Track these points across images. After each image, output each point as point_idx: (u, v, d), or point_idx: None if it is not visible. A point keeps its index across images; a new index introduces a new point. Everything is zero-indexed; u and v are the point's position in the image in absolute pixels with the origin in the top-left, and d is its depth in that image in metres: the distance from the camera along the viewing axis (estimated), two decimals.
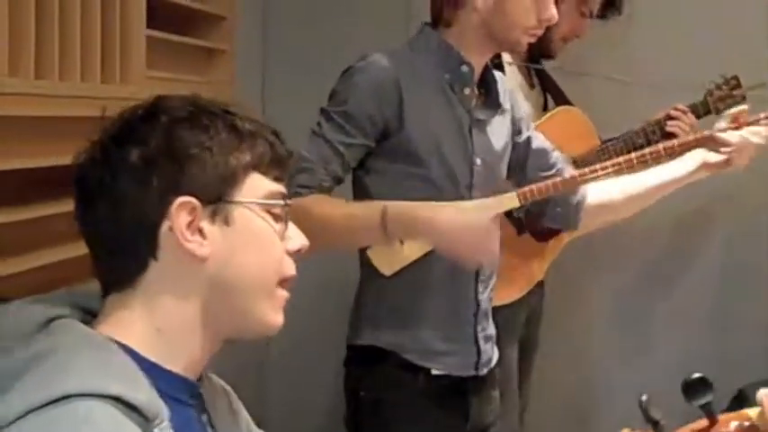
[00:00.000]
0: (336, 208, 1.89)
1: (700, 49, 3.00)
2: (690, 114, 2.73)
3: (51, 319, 1.07)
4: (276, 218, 1.14)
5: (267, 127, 1.17)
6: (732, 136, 2.08)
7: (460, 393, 2.09)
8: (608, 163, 2.03)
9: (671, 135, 2.73)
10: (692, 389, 1.17)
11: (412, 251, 1.97)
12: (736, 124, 2.10)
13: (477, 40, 2.00)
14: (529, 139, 2.18)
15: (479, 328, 2.09)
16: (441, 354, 2.04)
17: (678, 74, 2.83)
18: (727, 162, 2.10)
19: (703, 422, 1.17)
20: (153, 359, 1.08)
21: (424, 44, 2.04)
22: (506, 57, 2.57)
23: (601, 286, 3.26)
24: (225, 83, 2.91)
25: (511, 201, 2.01)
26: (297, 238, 1.17)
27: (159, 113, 1.12)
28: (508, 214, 2.39)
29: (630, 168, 2.04)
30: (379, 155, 1.98)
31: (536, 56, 2.76)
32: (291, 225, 1.17)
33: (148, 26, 2.35)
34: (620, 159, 2.03)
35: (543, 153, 2.19)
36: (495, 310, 2.17)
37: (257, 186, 1.13)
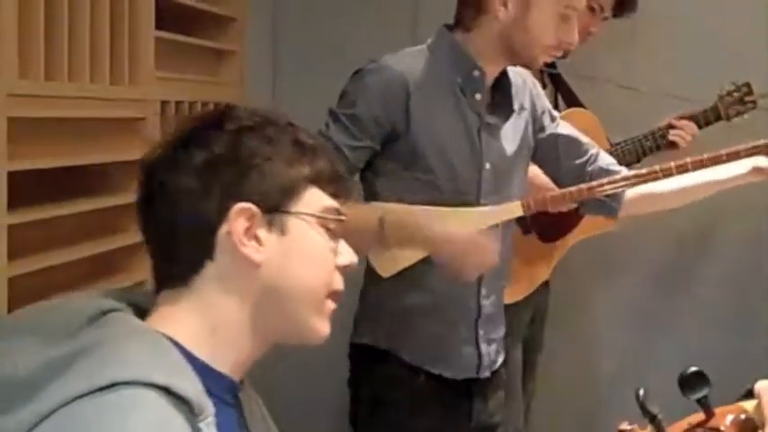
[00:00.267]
0: None
1: (710, 54, 2.99)
2: (691, 124, 2.72)
3: (104, 312, 1.09)
4: (330, 233, 1.17)
5: (327, 145, 1.21)
6: None
7: (464, 394, 2.09)
8: (657, 167, 2.03)
9: (673, 144, 2.73)
10: (689, 383, 1.18)
11: (411, 254, 1.97)
12: None
13: (494, 50, 1.99)
14: (556, 132, 2.16)
15: (481, 332, 2.08)
16: (440, 357, 2.04)
17: (688, 78, 2.83)
18: None
19: (700, 416, 1.17)
20: (201, 357, 1.10)
21: (438, 47, 2.03)
22: None
23: (608, 288, 3.25)
24: (234, 84, 2.92)
25: (515, 209, 2.01)
26: (347, 254, 1.20)
27: (226, 121, 1.15)
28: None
29: (668, 175, 2.03)
30: (385, 157, 1.98)
31: None
32: (342, 241, 1.20)
33: (157, 27, 2.36)
34: (672, 164, 2.02)
35: (573, 141, 2.17)
36: None
37: (315, 200, 1.16)
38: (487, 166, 2.02)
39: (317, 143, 1.19)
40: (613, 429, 1.24)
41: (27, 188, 1.89)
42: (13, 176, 1.79)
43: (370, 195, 2.02)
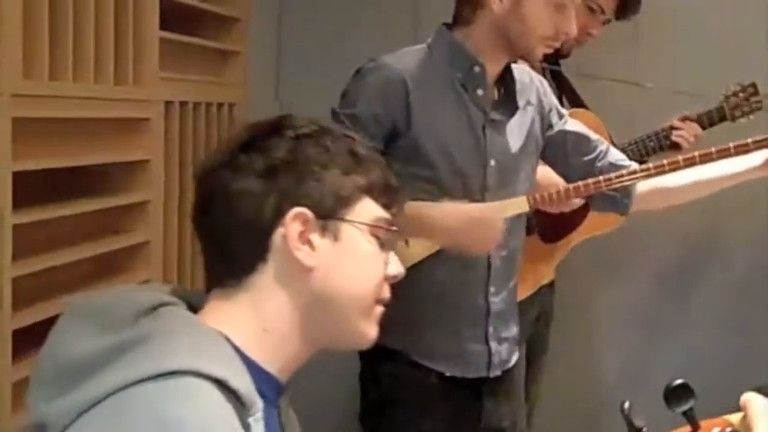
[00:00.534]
0: None
1: (713, 53, 2.99)
2: (693, 124, 2.72)
3: (160, 305, 1.12)
4: (380, 242, 1.20)
5: (381, 157, 1.24)
6: None
7: (474, 394, 2.09)
8: (665, 161, 2.03)
9: (676, 145, 2.72)
10: (674, 395, 1.17)
11: (417, 251, 1.97)
12: None
13: (493, 43, 2.00)
14: (564, 129, 2.17)
15: (491, 330, 2.08)
16: (449, 355, 2.04)
17: (691, 78, 2.83)
18: None
19: (686, 429, 1.16)
20: (251, 356, 1.13)
21: (437, 44, 2.04)
22: None
23: (613, 289, 3.24)
24: (238, 84, 2.92)
25: (520, 204, 2.01)
26: (395, 265, 1.23)
27: (285, 128, 1.18)
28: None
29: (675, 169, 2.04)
30: (388, 156, 1.98)
31: (550, 56, 2.75)
32: (392, 252, 1.23)
33: (162, 28, 2.36)
34: (680, 158, 2.02)
35: (582, 138, 2.18)
36: None
37: (368, 210, 1.19)
38: (492, 162, 2.02)
39: (371, 155, 1.22)
40: (618, 431, 1.24)
41: (31, 188, 1.89)
42: (17, 176, 1.79)
43: None
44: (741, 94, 2.71)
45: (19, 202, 1.81)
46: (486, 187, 2.02)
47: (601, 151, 2.17)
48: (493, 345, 2.08)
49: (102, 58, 2.10)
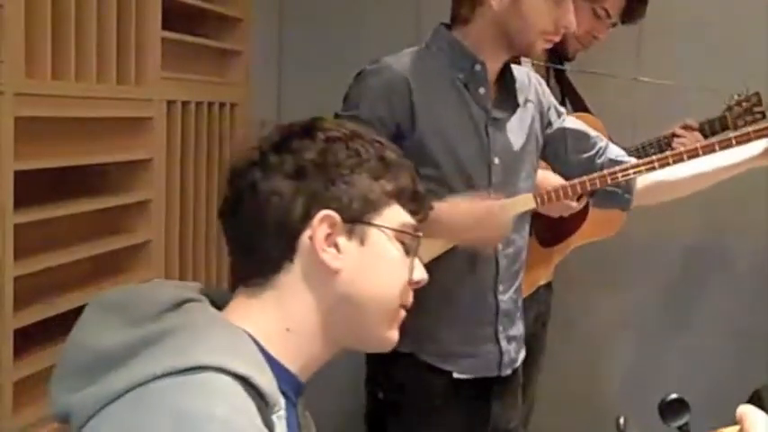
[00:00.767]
0: None
1: (717, 54, 2.99)
2: (695, 133, 2.71)
3: (185, 301, 1.13)
4: (406, 248, 1.21)
5: (410, 163, 1.25)
6: None
7: (482, 396, 2.08)
8: (655, 157, 2.03)
9: None
10: (669, 410, 1.17)
11: (426, 252, 1.97)
12: None
13: (492, 40, 2.00)
14: (563, 127, 2.16)
15: (500, 328, 2.08)
16: (461, 355, 2.03)
17: (693, 78, 2.82)
18: None
19: None
20: (274, 354, 1.14)
21: (437, 44, 2.04)
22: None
23: (613, 294, 3.24)
24: (240, 84, 2.93)
25: (527, 202, 2.02)
26: (420, 271, 1.25)
27: (316, 130, 1.19)
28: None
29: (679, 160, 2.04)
30: None
31: (554, 58, 2.75)
32: (416, 258, 1.24)
33: (164, 28, 2.36)
34: (682, 150, 2.02)
35: (581, 135, 2.17)
36: None
37: (395, 215, 1.20)
38: (496, 160, 2.02)
39: (400, 160, 1.22)
40: None
41: (33, 187, 1.90)
42: (19, 176, 1.79)
43: None
44: (744, 104, 2.70)
45: (21, 202, 1.81)
46: (490, 185, 2.02)
47: (600, 148, 2.17)
48: (503, 344, 2.08)
49: (105, 57, 2.10)
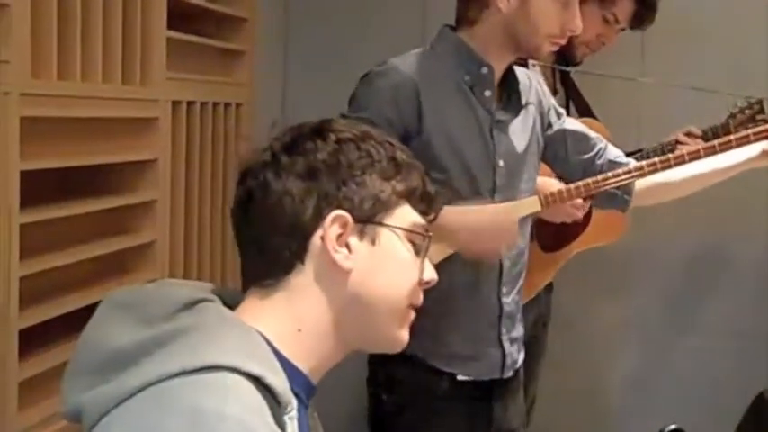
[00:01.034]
0: None
1: (719, 57, 2.99)
2: (699, 140, 2.71)
3: (197, 301, 1.13)
4: (416, 248, 1.22)
5: (420, 164, 1.26)
6: None
7: (484, 397, 2.08)
8: (657, 160, 2.04)
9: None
10: None
11: (432, 256, 1.97)
12: None
13: (499, 42, 2.00)
14: (563, 128, 2.17)
15: (503, 330, 2.08)
16: (465, 358, 2.04)
17: (696, 81, 2.82)
18: None
19: None
20: (286, 355, 1.14)
21: (444, 46, 2.04)
22: None
23: (615, 297, 3.24)
24: (245, 84, 2.92)
25: (533, 204, 2.01)
26: (429, 271, 1.25)
27: (329, 131, 1.20)
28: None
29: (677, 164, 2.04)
30: None
31: (560, 61, 2.75)
32: (426, 258, 1.25)
33: (169, 28, 2.36)
34: (684, 152, 2.04)
35: (581, 137, 2.18)
36: None
37: (405, 216, 1.21)
38: (501, 163, 2.02)
39: (412, 161, 1.24)
40: None
41: (39, 188, 1.90)
42: (24, 176, 1.80)
43: None
44: (747, 111, 2.71)
45: (26, 202, 1.81)
46: (495, 188, 2.02)
47: (600, 149, 2.17)
48: (506, 345, 2.08)
49: (110, 57, 2.10)
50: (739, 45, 3.02)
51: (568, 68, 2.79)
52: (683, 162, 2.04)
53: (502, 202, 2.01)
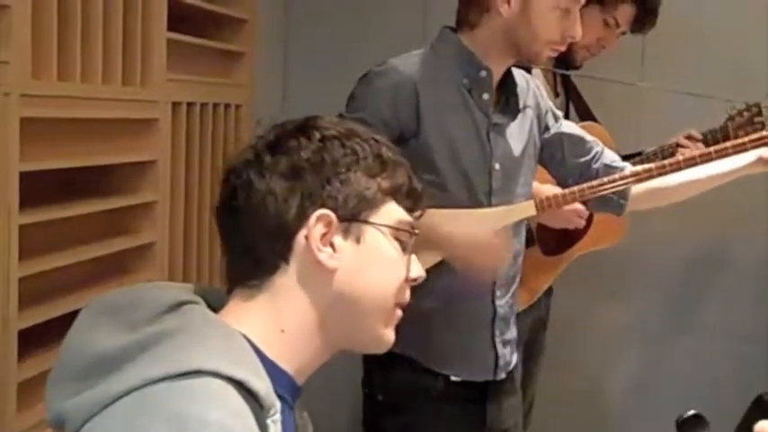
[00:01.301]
0: None
1: (719, 61, 3.00)
2: (699, 144, 2.71)
3: (181, 303, 1.12)
4: (403, 245, 1.20)
5: (406, 160, 1.24)
6: None
7: (478, 399, 2.09)
8: (653, 165, 2.04)
9: None
10: (687, 426, 1.17)
11: (425, 258, 1.97)
12: None
13: (499, 46, 2.00)
14: (560, 131, 2.17)
15: (497, 333, 2.08)
16: (457, 359, 2.04)
17: (696, 86, 2.82)
18: None
19: None
20: (271, 357, 1.13)
21: (444, 48, 2.04)
22: None
23: (615, 298, 3.24)
24: (245, 85, 2.93)
25: (528, 208, 2.01)
26: (416, 268, 1.24)
27: (313, 129, 1.18)
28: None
29: (669, 171, 2.05)
30: None
31: (561, 65, 2.75)
32: (413, 255, 1.23)
33: (169, 29, 2.36)
34: (680, 158, 2.04)
35: (578, 140, 2.18)
36: None
37: (391, 213, 1.19)
38: (497, 166, 2.02)
39: (397, 158, 1.22)
40: None
41: (38, 188, 1.90)
42: (24, 176, 1.80)
43: None
44: (745, 114, 2.71)
45: (26, 203, 1.81)
46: (491, 191, 2.02)
47: (597, 152, 2.18)
48: (499, 348, 2.09)
49: (110, 58, 2.10)
50: (739, 49, 3.03)
51: (568, 72, 2.79)
52: (679, 168, 2.04)
53: (498, 205, 2.01)
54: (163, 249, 2.37)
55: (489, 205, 2.00)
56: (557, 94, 2.82)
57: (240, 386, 1.02)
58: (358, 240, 1.16)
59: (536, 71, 2.59)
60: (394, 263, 1.20)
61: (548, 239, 2.66)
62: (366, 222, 1.17)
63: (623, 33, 2.78)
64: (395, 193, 1.20)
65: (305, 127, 1.19)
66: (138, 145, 2.29)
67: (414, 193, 1.22)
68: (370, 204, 1.17)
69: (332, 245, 1.15)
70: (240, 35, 2.90)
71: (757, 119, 2.69)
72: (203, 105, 2.62)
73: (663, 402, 3.07)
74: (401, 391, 2.03)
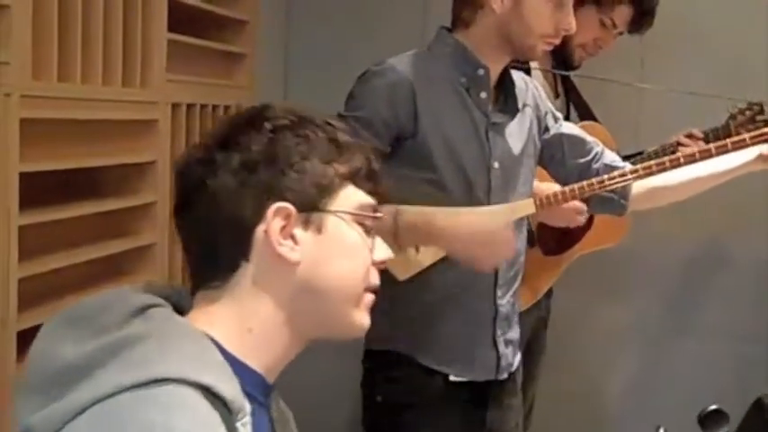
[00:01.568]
0: None
1: (720, 61, 3.00)
2: (700, 142, 2.71)
3: (148, 307, 1.09)
4: (366, 229, 1.18)
5: (364, 142, 1.22)
6: None
7: (479, 399, 2.09)
8: (652, 162, 2.04)
9: None
10: (709, 420, 1.17)
11: (426, 257, 1.98)
12: None
13: (494, 43, 2.01)
14: (560, 132, 2.18)
15: (498, 333, 2.09)
16: (458, 359, 2.04)
17: (697, 86, 2.82)
18: None
19: None
20: (237, 355, 1.11)
21: (441, 48, 2.05)
22: (534, 62, 2.56)
23: (616, 299, 3.24)
24: (246, 87, 2.93)
25: (527, 207, 2.02)
26: (382, 250, 1.21)
27: (263, 120, 1.15)
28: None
29: (672, 167, 2.05)
30: (393, 159, 1.99)
31: (558, 65, 2.75)
32: (378, 237, 1.21)
33: (169, 30, 2.36)
34: (680, 155, 2.03)
35: (578, 141, 2.19)
36: None
37: (351, 198, 1.17)
38: (496, 165, 2.03)
39: (354, 141, 1.19)
40: None
41: (38, 189, 1.90)
42: (24, 177, 1.79)
43: None
44: (747, 112, 2.71)
45: (25, 203, 1.81)
46: (490, 190, 2.03)
47: (597, 153, 2.18)
48: (501, 347, 2.09)
49: (111, 59, 2.10)
50: (739, 48, 3.03)
51: (567, 73, 2.79)
52: (679, 165, 2.04)
53: (497, 204, 2.02)
54: (162, 251, 2.36)
55: (488, 204, 2.01)
56: (557, 95, 2.82)
57: (208, 391, 1.01)
58: (319, 230, 1.14)
59: (536, 72, 2.59)
60: (358, 249, 1.17)
61: (548, 239, 2.66)
62: (325, 211, 1.14)
63: (620, 34, 2.78)
64: (353, 177, 1.17)
65: (255, 119, 1.16)
66: (137, 146, 2.29)
67: (373, 174, 1.20)
68: (328, 192, 1.15)
69: (293, 237, 1.13)
70: (241, 36, 2.90)
71: (759, 117, 2.69)
72: (203, 107, 2.62)
73: (662, 403, 3.07)
74: (401, 391, 2.03)
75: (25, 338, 1.83)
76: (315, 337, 1.18)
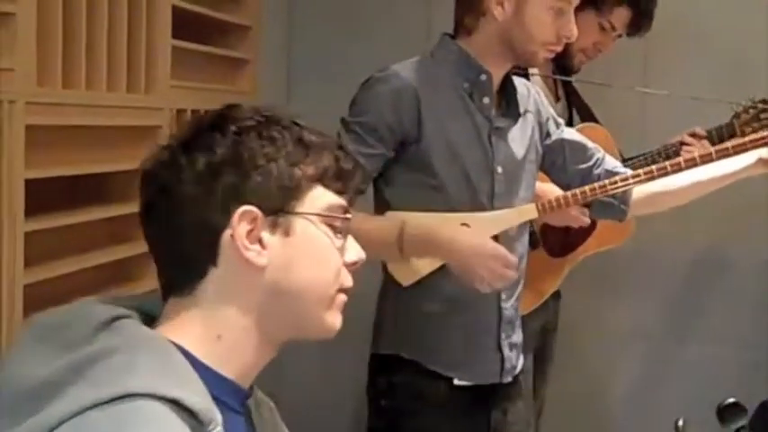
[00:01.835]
0: (356, 222, 1.90)
1: (722, 64, 3.00)
2: (704, 141, 2.71)
3: (115, 319, 1.07)
4: (336, 230, 1.15)
5: (333, 140, 1.19)
6: None
7: (483, 403, 2.09)
8: (654, 167, 2.05)
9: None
10: (727, 413, 1.18)
11: (429, 263, 1.98)
12: None
13: (496, 50, 2.01)
14: (561, 138, 2.19)
15: (503, 336, 2.09)
16: (463, 362, 2.05)
17: (699, 90, 2.83)
18: None
19: None
20: (208, 363, 1.09)
21: (444, 54, 2.05)
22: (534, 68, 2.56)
23: (621, 302, 3.24)
24: (249, 92, 2.93)
25: (530, 212, 2.02)
26: (354, 251, 1.18)
27: (227, 122, 1.12)
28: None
29: (667, 173, 2.05)
30: (397, 165, 2.00)
31: (560, 69, 2.76)
32: (350, 238, 1.18)
33: (173, 36, 2.37)
34: (681, 160, 2.04)
35: (579, 146, 2.20)
36: None
37: (319, 199, 1.13)
38: (499, 169, 2.04)
39: (321, 140, 1.15)
40: None
41: (44, 196, 1.90)
42: (30, 184, 1.80)
43: (382, 204, 2.03)
44: (752, 111, 2.70)
45: (31, 210, 1.82)
46: (493, 195, 2.03)
47: (598, 159, 2.19)
48: (505, 351, 2.09)
49: (115, 66, 2.11)
50: (742, 49, 3.03)
51: (568, 78, 2.79)
52: (680, 170, 2.05)
53: (500, 208, 2.02)
54: None
55: (492, 209, 2.02)
56: (557, 99, 2.82)
57: (177, 405, 0.99)
58: (287, 233, 1.11)
59: (535, 78, 2.60)
60: (327, 251, 1.14)
61: (553, 241, 2.66)
62: (292, 213, 1.11)
63: (619, 36, 2.78)
64: (322, 178, 1.14)
65: (219, 120, 1.13)
66: (142, 152, 2.27)
67: (343, 173, 1.16)
68: (295, 194, 1.11)
69: (260, 241, 1.09)
70: (244, 42, 2.91)
71: (764, 115, 2.68)
72: (207, 112, 2.62)
73: (666, 406, 3.06)
74: (405, 396, 2.03)
75: None
76: (286, 339, 1.16)
